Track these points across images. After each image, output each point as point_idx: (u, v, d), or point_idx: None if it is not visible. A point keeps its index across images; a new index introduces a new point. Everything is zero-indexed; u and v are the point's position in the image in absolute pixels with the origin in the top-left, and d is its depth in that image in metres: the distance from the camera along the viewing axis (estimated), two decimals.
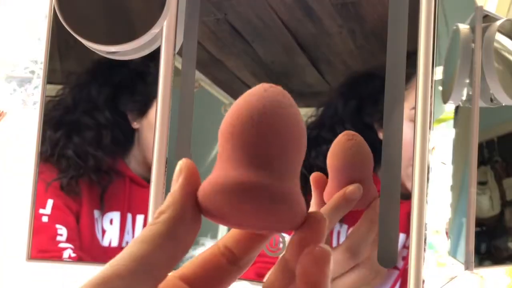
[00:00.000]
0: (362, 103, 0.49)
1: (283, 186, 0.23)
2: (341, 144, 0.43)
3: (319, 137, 0.50)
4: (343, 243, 0.42)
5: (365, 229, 0.41)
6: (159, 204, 0.55)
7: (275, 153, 0.23)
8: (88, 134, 0.58)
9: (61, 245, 0.57)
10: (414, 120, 0.44)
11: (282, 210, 0.23)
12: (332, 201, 0.42)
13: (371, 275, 0.42)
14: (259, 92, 0.24)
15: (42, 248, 0.57)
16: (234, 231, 0.26)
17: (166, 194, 0.55)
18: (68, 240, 0.57)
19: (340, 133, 0.48)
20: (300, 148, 0.24)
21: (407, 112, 0.45)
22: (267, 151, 0.23)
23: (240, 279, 0.51)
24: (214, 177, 0.23)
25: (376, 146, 0.46)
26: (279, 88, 0.25)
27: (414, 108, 0.45)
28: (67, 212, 0.57)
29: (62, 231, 0.57)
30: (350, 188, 0.41)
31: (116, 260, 0.22)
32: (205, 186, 0.23)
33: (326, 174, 0.44)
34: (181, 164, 0.24)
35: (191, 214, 0.23)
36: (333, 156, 0.43)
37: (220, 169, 0.23)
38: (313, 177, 0.45)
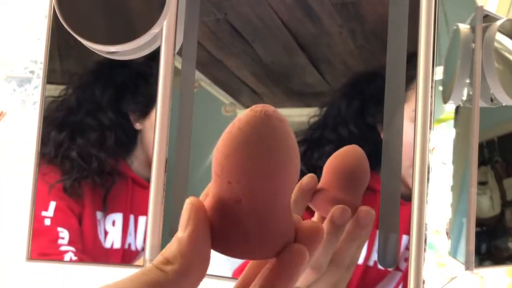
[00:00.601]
0: (365, 103, 0.49)
1: (279, 226, 0.25)
2: (344, 153, 0.43)
3: (322, 138, 0.50)
4: None
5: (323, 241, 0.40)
6: (159, 205, 0.55)
7: (270, 197, 0.24)
8: (92, 135, 0.58)
9: (62, 248, 0.57)
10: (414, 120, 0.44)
11: (275, 245, 0.25)
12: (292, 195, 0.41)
13: (337, 276, 0.41)
14: (245, 126, 0.23)
15: (43, 251, 0.57)
16: None
17: (166, 194, 0.55)
18: (70, 243, 0.57)
19: (343, 133, 0.48)
20: (293, 177, 0.25)
21: (409, 113, 0.45)
22: (264, 197, 0.24)
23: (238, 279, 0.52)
24: (220, 226, 0.24)
25: (378, 147, 0.46)
26: (269, 116, 0.24)
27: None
28: (69, 214, 0.57)
29: (64, 234, 0.57)
30: (305, 178, 0.41)
31: None
32: (216, 237, 0.24)
33: None
34: (190, 207, 0.24)
35: (198, 265, 0.23)
36: (332, 161, 0.42)
37: (222, 211, 0.24)
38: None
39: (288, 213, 0.25)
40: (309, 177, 0.41)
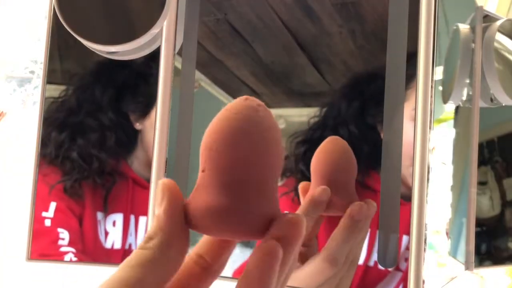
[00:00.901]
0: (365, 104, 0.49)
1: (259, 205, 0.25)
2: (325, 149, 0.43)
3: (322, 138, 0.50)
4: (321, 252, 0.41)
5: (341, 237, 0.40)
6: None
7: (253, 174, 0.25)
8: (92, 136, 0.58)
9: (63, 249, 0.57)
10: (414, 120, 0.45)
11: (256, 226, 0.25)
12: (302, 205, 0.42)
13: (347, 272, 0.42)
14: (239, 110, 0.25)
15: (44, 252, 0.57)
16: (205, 239, 0.27)
17: None
18: (70, 244, 0.57)
19: (343, 134, 0.48)
20: (277, 167, 0.26)
21: (409, 112, 0.45)
22: (245, 173, 0.25)
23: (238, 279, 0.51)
24: (199, 200, 0.25)
25: (379, 147, 0.46)
26: (259, 105, 0.25)
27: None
28: (69, 215, 0.57)
29: (64, 235, 0.57)
30: (318, 190, 0.41)
31: (106, 284, 0.23)
32: (192, 209, 0.25)
33: None
34: (162, 186, 0.25)
35: (178, 237, 0.24)
36: (316, 160, 0.43)
37: (203, 189, 0.25)
38: (301, 186, 0.45)
39: (268, 201, 0.25)
40: (322, 189, 0.42)
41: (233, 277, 0.51)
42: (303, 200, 0.44)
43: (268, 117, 0.25)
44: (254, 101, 0.25)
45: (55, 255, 0.57)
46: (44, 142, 0.58)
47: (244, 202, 0.25)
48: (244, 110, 0.25)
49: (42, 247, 0.57)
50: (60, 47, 0.59)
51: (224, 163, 0.24)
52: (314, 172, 0.43)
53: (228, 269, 0.52)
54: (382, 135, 0.46)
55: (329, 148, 0.43)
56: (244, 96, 0.26)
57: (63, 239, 0.57)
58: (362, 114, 0.49)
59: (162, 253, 0.24)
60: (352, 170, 0.43)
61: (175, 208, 0.25)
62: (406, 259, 0.44)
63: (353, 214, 0.40)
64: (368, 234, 0.45)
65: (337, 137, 0.43)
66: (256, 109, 0.25)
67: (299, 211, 0.42)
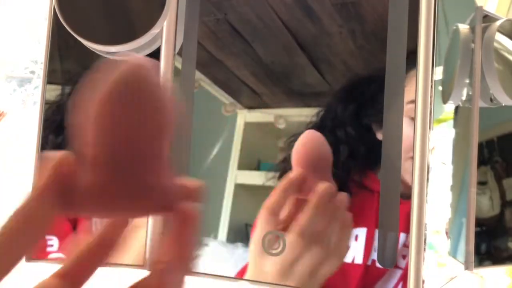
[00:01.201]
0: (361, 105, 0.49)
1: (139, 177, 0.23)
2: (301, 142, 0.48)
3: None
4: (293, 229, 0.46)
5: (310, 214, 0.45)
6: None
7: (124, 142, 0.22)
8: None
9: (52, 255, 0.56)
10: (414, 119, 0.45)
11: (139, 200, 0.23)
12: (279, 185, 0.47)
13: (323, 255, 0.45)
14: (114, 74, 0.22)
15: (35, 257, 0.57)
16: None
17: None
18: (60, 250, 0.56)
19: (340, 135, 0.49)
20: (160, 130, 0.22)
21: (405, 107, 0.46)
22: (120, 142, 0.22)
23: (240, 279, 0.51)
24: (77, 179, 0.24)
25: (374, 147, 0.46)
26: (135, 64, 0.22)
27: (412, 102, 0.45)
28: (61, 220, 0.57)
29: (53, 242, 0.56)
30: (294, 172, 0.47)
31: None
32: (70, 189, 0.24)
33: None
34: (54, 158, 0.26)
35: (47, 201, 0.25)
36: (295, 152, 0.48)
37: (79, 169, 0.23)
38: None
39: (148, 171, 0.23)
40: (297, 170, 0.47)
41: (236, 278, 0.51)
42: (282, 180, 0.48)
43: (139, 75, 0.22)
44: (128, 71, 0.22)
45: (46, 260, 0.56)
46: (42, 145, 0.58)
47: (119, 177, 0.22)
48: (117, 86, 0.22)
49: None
50: (60, 47, 0.59)
51: (93, 136, 0.22)
52: (294, 162, 0.48)
53: (232, 269, 0.52)
54: (377, 135, 0.47)
55: (305, 140, 0.48)
56: (122, 63, 0.23)
57: (51, 245, 0.56)
58: (358, 115, 0.49)
59: (30, 211, 0.24)
60: (328, 157, 0.47)
61: (56, 175, 0.25)
62: (404, 256, 0.44)
63: (317, 193, 0.46)
64: (365, 232, 0.45)
65: (312, 130, 0.48)
66: (120, 69, 0.22)
67: (277, 188, 0.47)
